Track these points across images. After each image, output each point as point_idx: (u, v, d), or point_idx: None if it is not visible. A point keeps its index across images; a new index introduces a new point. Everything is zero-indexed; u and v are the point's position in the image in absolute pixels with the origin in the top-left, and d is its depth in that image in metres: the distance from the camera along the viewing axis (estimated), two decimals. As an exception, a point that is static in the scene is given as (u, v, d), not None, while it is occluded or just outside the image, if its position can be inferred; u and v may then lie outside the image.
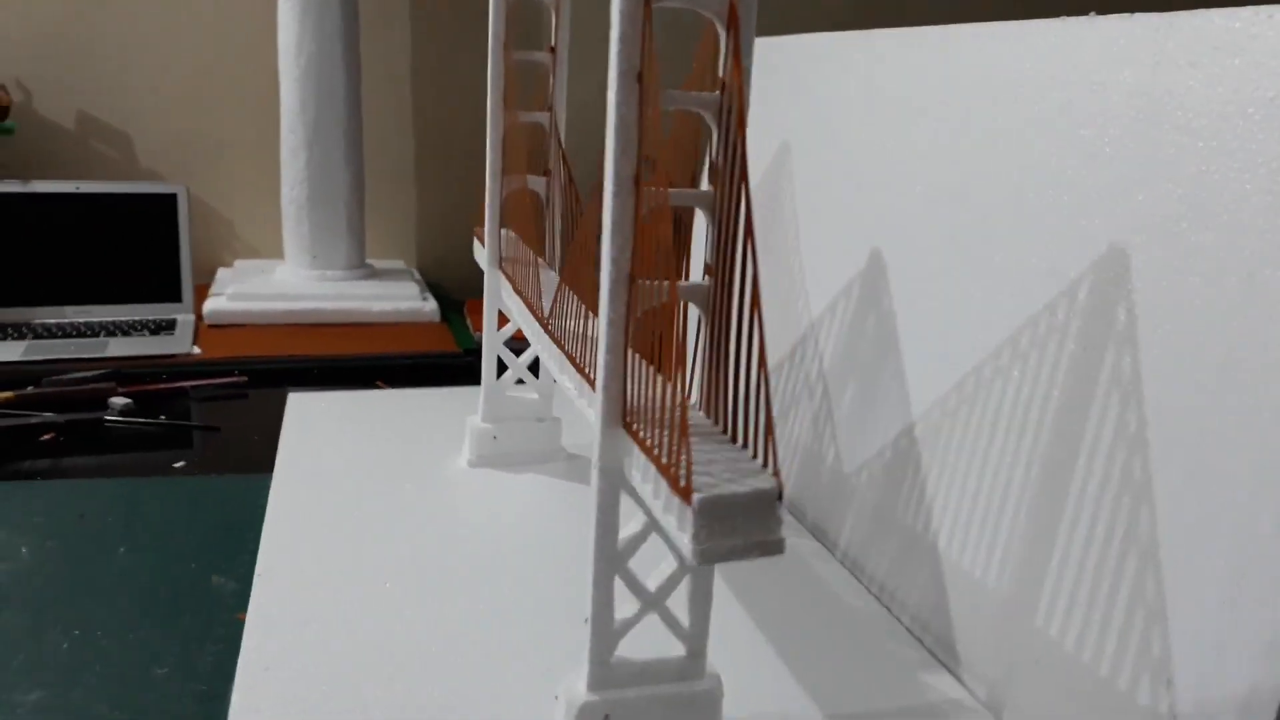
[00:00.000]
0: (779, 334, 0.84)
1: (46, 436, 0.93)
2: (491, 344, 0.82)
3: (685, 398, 0.37)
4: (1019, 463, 0.54)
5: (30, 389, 1.00)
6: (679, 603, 0.47)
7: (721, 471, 0.37)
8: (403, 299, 1.39)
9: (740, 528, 0.35)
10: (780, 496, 0.36)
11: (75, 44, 1.46)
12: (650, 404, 0.41)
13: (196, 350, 1.18)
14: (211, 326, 1.29)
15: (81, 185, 1.29)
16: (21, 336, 1.19)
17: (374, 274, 1.48)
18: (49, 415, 0.96)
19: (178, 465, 0.87)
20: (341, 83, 1.37)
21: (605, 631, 0.46)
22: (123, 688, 0.54)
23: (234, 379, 1.10)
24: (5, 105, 1.33)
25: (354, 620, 0.59)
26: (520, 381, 0.83)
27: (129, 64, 1.49)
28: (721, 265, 0.41)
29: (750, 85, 0.42)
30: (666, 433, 0.38)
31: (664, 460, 0.38)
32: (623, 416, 0.43)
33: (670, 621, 0.47)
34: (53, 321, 1.25)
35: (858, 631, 0.61)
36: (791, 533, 0.74)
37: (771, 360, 0.85)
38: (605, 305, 0.42)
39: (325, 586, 0.63)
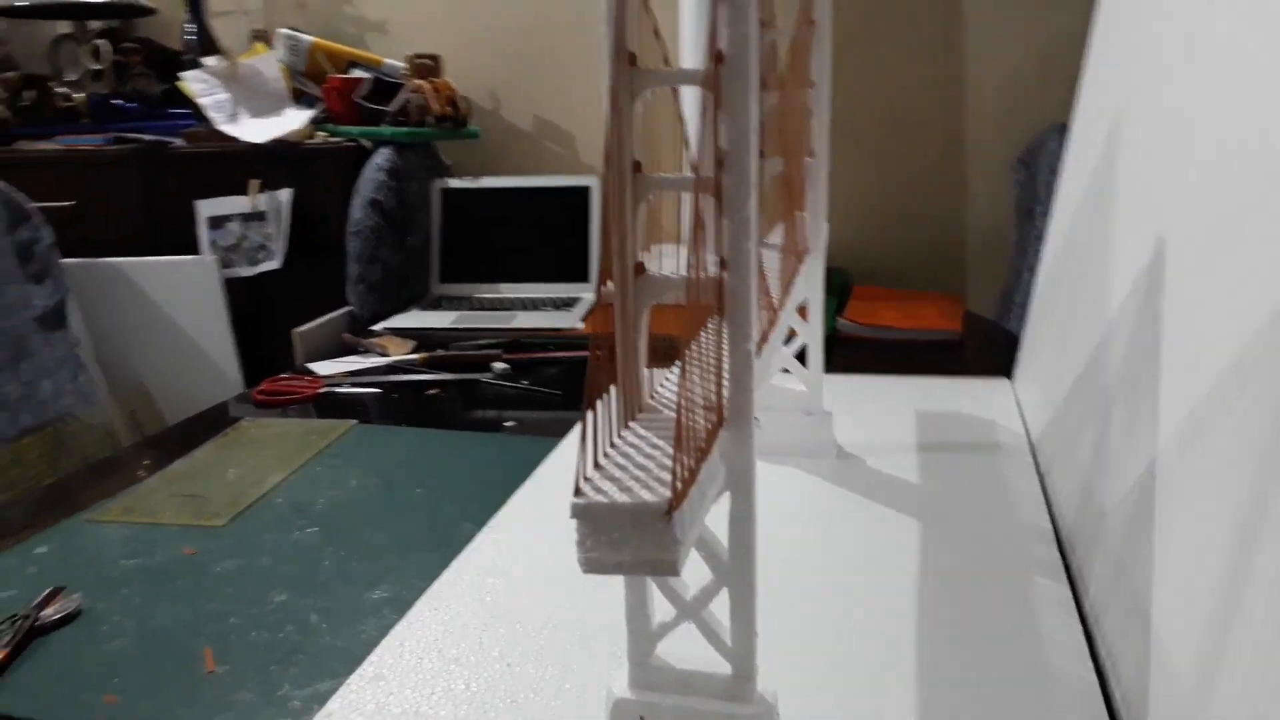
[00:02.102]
0: (1084, 337, 0.70)
1: (432, 391, 1.11)
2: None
3: (610, 384, 0.35)
4: (1251, 524, 0.40)
5: (439, 351, 1.21)
6: (725, 615, 0.43)
7: (635, 476, 0.34)
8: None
9: (629, 541, 0.32)
10: (669, 513, 0.32)
11: (532, 59, 1.69)
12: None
13: (580, 326, 1.31)
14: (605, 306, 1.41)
15: (512, 180, 1.50)
16: (458, 307, 1.42)
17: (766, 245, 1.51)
18: (443, 374, 1.14)
19: (508, 424, 0.99)
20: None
21: (640, 633, 0.44)
22: (341, 603, 0.64)
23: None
24: (465, 116, 1.59)
25: (525, 604, 0.63)
26: (785, 371, 0.80)
27: (573, 74, 1.68)
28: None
29: (752, 50, 0.36)
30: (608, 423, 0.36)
31: (588, 455, 0.35)
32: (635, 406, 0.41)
33: (709, 635, 0.43)
34: (486, 295, 1.48)
35: (1043, 701, 0.50)
36: (1046, 574, 0.62)
37: (1077, 366, 0.71)
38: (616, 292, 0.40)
39: (523, 563, 0.68)
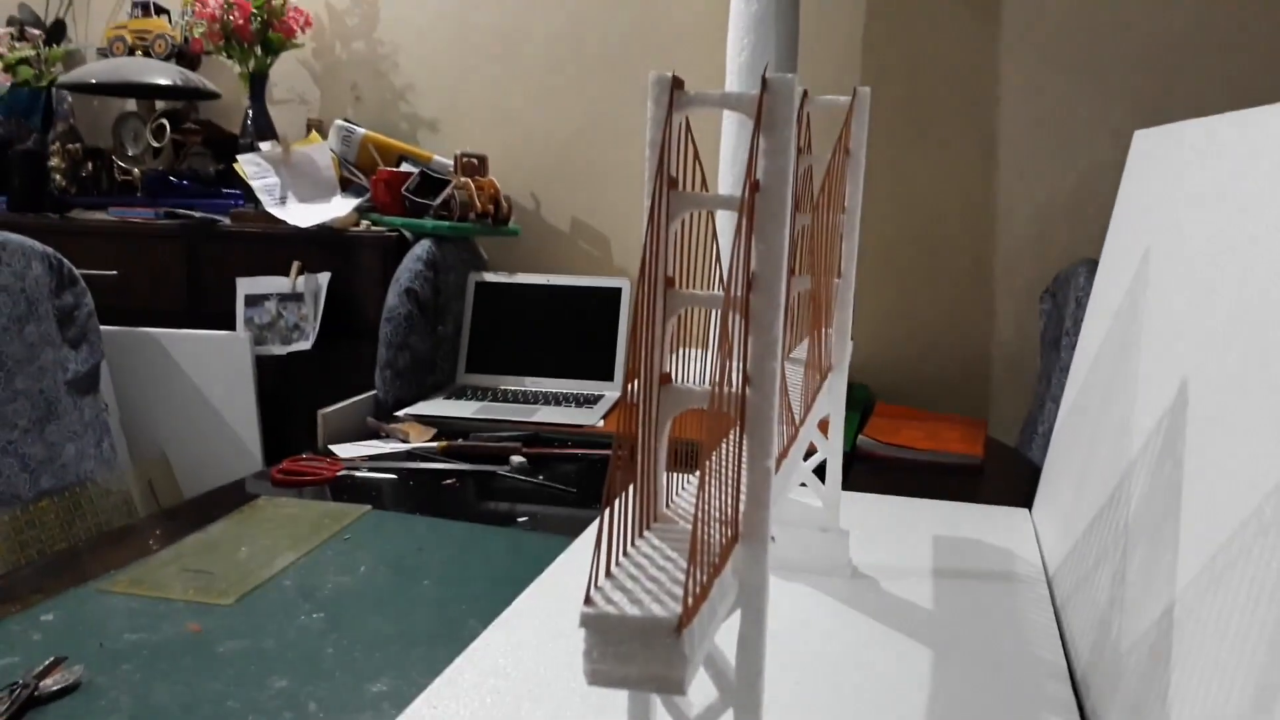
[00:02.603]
0: (1104, 473, 0.70)
1: (448, 481, 1.11)
2: (778, 443, 0.81)
3: (622, 491, 0.35)
4: (1239, 670, 0.39)
5: (459, 441, 1.21)
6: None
7: (647, 589, 0.34)
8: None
9: (636, 655, 0.32)
10: (679, 629, 0.31)
11: (574, 165, 1.74)
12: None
13: (600, 424, 1.32)
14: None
15: (546, 278, 1.53)
16: (482, 398, 1.43)
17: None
18: (461, 464, 1.15)
19: (521, 520, 0.98)
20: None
21: None
22: (340, 692, 0.63)
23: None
24: (507, 214, 1.63)
25: (525, 709, 0.62)
26: (803, 485, 0.80)
27: (613, 181, 1.73)
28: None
29: (788, 182, 0.38)
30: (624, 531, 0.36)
31: (603, 561, 0.35)
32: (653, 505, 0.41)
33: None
34: (511, 388, 1.49)
35: None
36: (1059, 713, 0.60)
37: (1097, 501, 0.71)
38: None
39: (527, 666, 0.67)
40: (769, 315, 0.39)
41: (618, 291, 1.51)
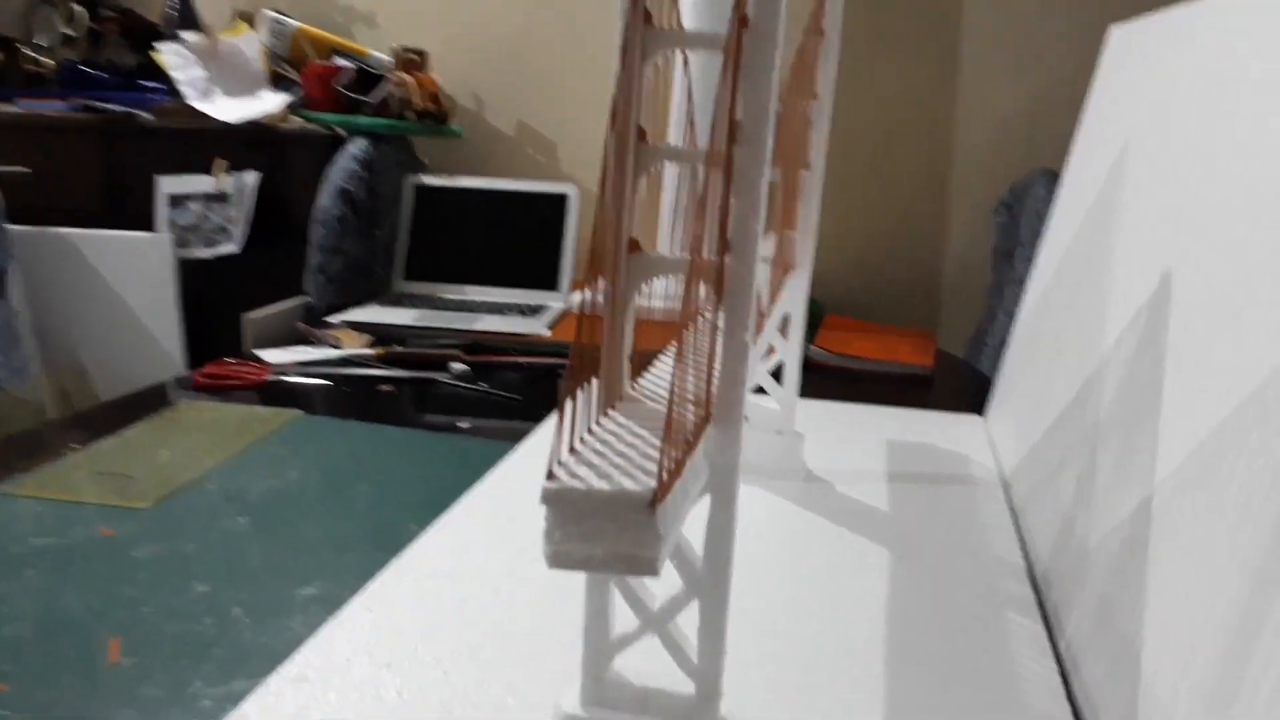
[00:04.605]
0: (1070, 375, 0.68)
1: (385, 388, 1.06)
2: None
3: (593, 366, 0.31)
4: (1232, 559, 0.37)
5: (395, 347, 1.16)
6: (691, 630, 0.40)
7: (615, 464, 0.30)
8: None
9: (603, 534, 0.28)
10: (653, 504, 0.28)
11: (520, 64, 1.66)
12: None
13: (546, 333, 1.27)
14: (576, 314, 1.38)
15: (489, 182, 1.47)
16: (421, 306, 1.37)
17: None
18: (398, 370, 1.10)
19: (463, 425, 0.94)
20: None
21: (598, 644, 0.40)
22: (267, 597, 0.59)
23: (562, 361, 1.16)
24: (448, 114, 1.55)
25: (469, 610, 0.59)
26: (760, 390, 0.77)
27: (560, 83, 1.65)
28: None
29: (779, 17, 0.33)
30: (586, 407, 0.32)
31: (565, 438, 0.31)
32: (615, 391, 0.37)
33: (674, 649, 0.40)
34: (451, 296, 1.44)
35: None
36: (1019, 611, 0.59)
37: (1061, 402, 0.69)
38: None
39: (468, 565, 0.63)
40: (754, 171, 0.34)
41: (564, 198, 1.45)
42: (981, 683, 0.51)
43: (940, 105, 1.54)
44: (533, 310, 1.37)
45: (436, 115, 1.55)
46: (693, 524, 0.36)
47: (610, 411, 0.36)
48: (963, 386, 1.19)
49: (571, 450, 0.31)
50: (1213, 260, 0.48)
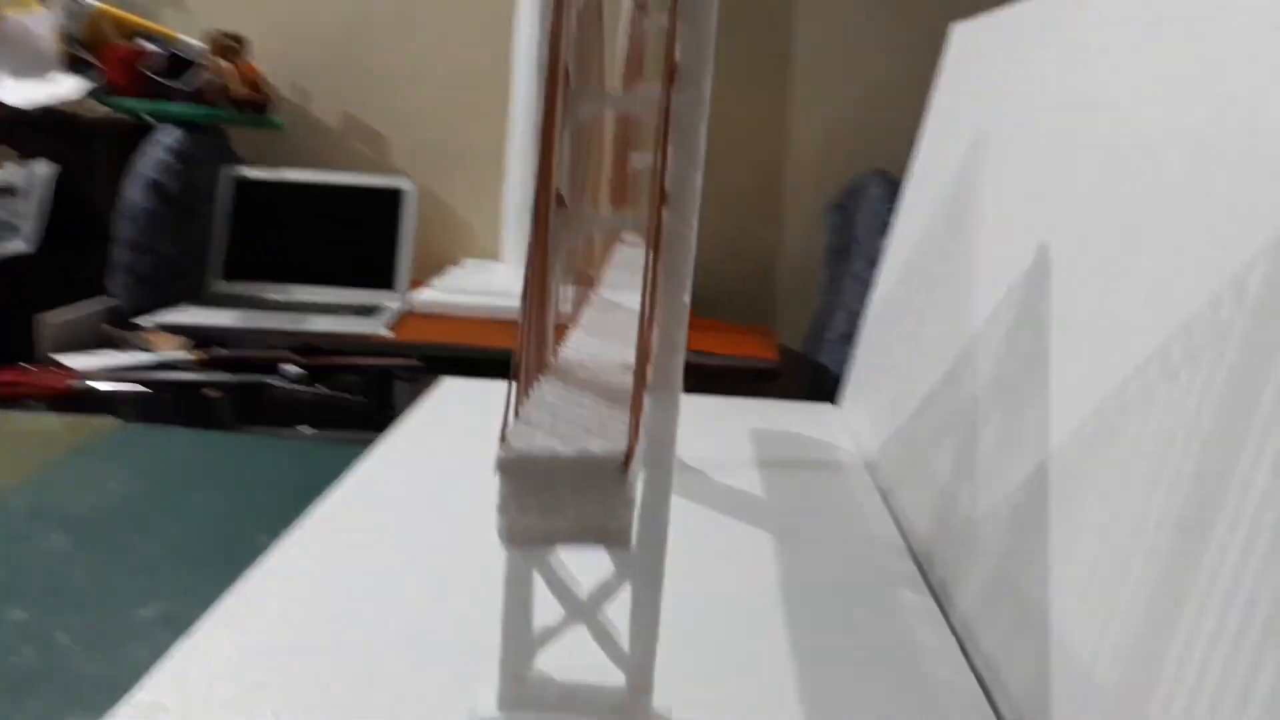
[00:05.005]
0: (936, 356, 0.69)
1: (211, 393, 0.97)
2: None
3: (532, 327, 0.28)
4: (1149, 512, 0.38)
5: (218, 349, 1.06)
6: (622, 617, 0.37)
7: (571, 428, 0.27)
8: (600, 306, 1.35)
9: (567, 504, 0.25)
10: (625, 466, 0.25)
11: (347, 54, 1.58)
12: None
13: (387, 333, 1.20)
14: (416, 315, 1.31)
15: (316, 175, 1.38)
16: (243, 308, 1.27)
17: (582, 281, 1.46)
18: (223, 375, 1.01)
19: (304, 429, 0.87)
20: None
21: (519, 639, 0.37)
22: (98, 621, 0.52)
23: (410, 362, 1.10)
24: (269, 103, 1.45)
25: (345, 620, 0.54)
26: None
27: (390, 74, 1.58)
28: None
29: (707, 66, 0.32)
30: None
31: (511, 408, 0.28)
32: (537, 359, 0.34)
33: (603, 639, 0.37)
34: (275, 297, 1.34)
35: (932, 710, 0.47)
36: (908, 586, 0.59)
37: (928, 383, 0.70)
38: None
39: (339, 572, 0.58)
40: (695, 117, 0.32)
41: (399, 193, 1.38)
42: (885, 659, 0.51)
43: (772, 109, 1.58)
44: (368, 310, 1.30)
45: (256, 104, 1.45)
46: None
47: (540, 380, 0.33)
48: (806, 378, 1.22)
49: (516, 416, 0.28)
50: (1089, 229, 0.50)
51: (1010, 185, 0.64)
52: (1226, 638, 0.32)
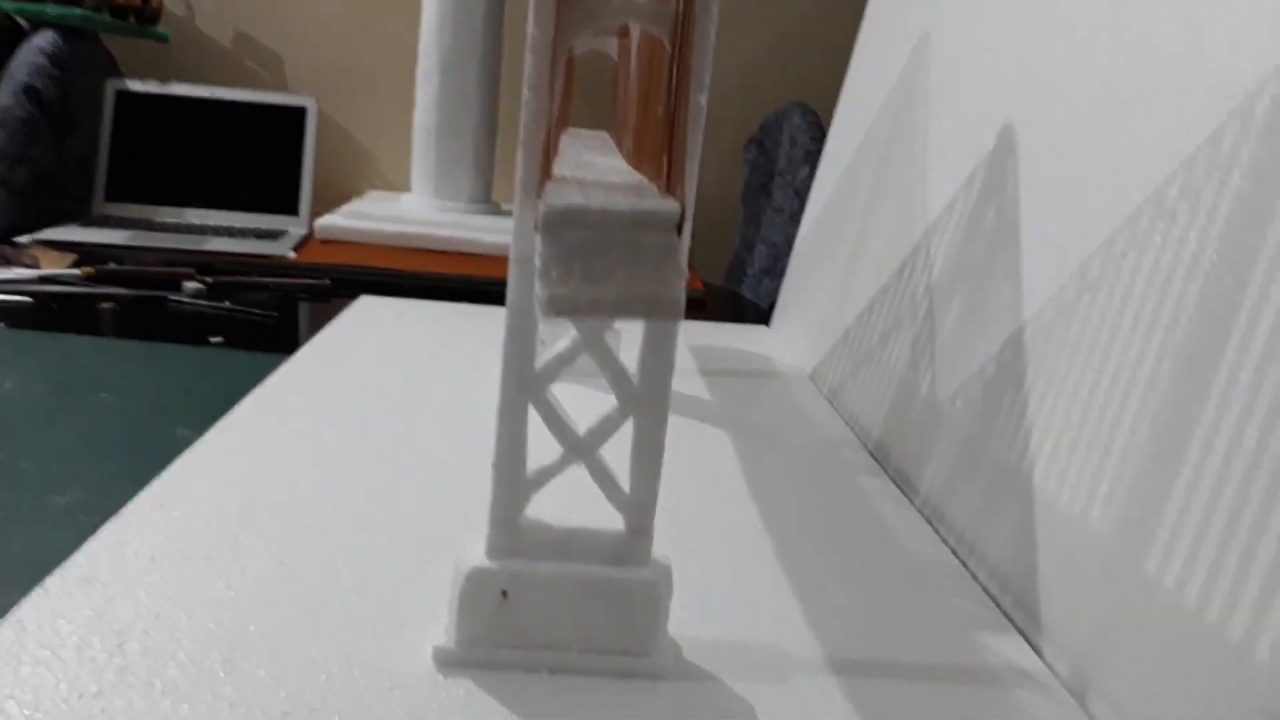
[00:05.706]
0: (882, 260, 0.69)
1: (106, 305, 0.90)
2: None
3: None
4: (1144, 362, 0.38)
5: (111, 265, 0.99)
6: (622, 459, 0.35)
7: (609, 194, 0.24)
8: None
9: (615, 269, 0.23)
10: (679, 225, 0.23)
11: (240, -37, 1.48)
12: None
13: (292, 255, 1.14)
14: (320, 242, 1.25)
15: (211, 90, 1.29)
16: (132, 229, 1.18)
17: (497, 211, 1.42)
18: (117, 290, 0.93)
19: (214, 340, 0.81)
20: (481, 3, 1.31)
21: (512, 480, 0.34)
22: (9, 509, 0.47)
23: (316, 282, 1.04)
24: (155, 12, 1.35)
25: (297, 496, 0.50)
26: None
27: (288, -13, 1.49)
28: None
29: None
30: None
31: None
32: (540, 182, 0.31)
33: (603, 479, 0.35)
34: (171, 220, 1.25)
35: (913, 582, 0.46)
36: (867, 474, 0.59)
37: (874, 287, 0.70)
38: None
39: (287, 455, 0.54)
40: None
41: (301, 111, 1.31)
42: (859, 540, 0.50)
43: (689, 44, 1.55)
44: (271, 235, 1.22)
45: (140, 13, 1.34)
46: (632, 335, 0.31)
47: (548, 182, 0.30)
48: (730, 308, 1.21)
49: (549, 175, 0.25)
50: (1061, 95, 0.50)
51: (967, 74, 0.63)
52: (1233, 481, 0.32)
